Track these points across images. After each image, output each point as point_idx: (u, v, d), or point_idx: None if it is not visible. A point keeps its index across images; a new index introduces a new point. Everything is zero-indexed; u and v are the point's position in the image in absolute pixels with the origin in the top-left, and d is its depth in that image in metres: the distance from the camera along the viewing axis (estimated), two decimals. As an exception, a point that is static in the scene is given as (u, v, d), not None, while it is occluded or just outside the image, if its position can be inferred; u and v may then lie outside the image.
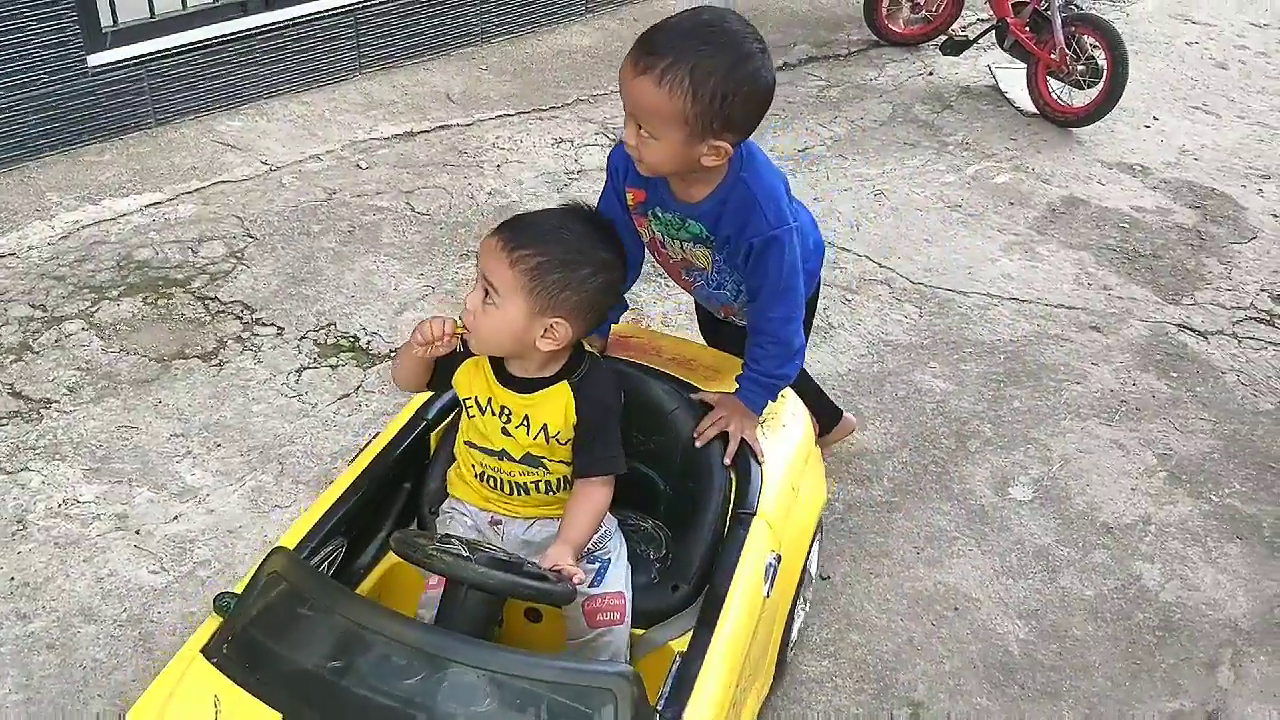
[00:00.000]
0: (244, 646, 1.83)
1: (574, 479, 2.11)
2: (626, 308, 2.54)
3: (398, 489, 2.30)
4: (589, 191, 4.00)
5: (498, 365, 2.09)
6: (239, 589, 1.92)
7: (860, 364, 3.66)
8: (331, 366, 3.48)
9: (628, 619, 2.10)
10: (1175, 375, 3.72)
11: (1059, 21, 5.07)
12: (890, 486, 3.19)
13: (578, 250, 1.97)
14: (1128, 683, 2.70)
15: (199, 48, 4.57)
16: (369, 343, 3.58)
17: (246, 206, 4.16)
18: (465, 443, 2.16)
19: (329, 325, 3.64)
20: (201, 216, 4.09)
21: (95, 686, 2.51)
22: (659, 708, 1.84)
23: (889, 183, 4.71)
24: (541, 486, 2.13)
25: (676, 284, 2.56)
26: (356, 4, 4.96)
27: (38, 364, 3.39)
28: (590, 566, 2.09)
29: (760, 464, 2.28)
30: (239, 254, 3.92)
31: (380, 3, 5.03)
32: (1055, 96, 5.22)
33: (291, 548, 2.01)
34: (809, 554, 2.51)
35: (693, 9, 2.09)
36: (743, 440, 2.27)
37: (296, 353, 3.51)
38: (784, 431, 2.44)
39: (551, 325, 1.97)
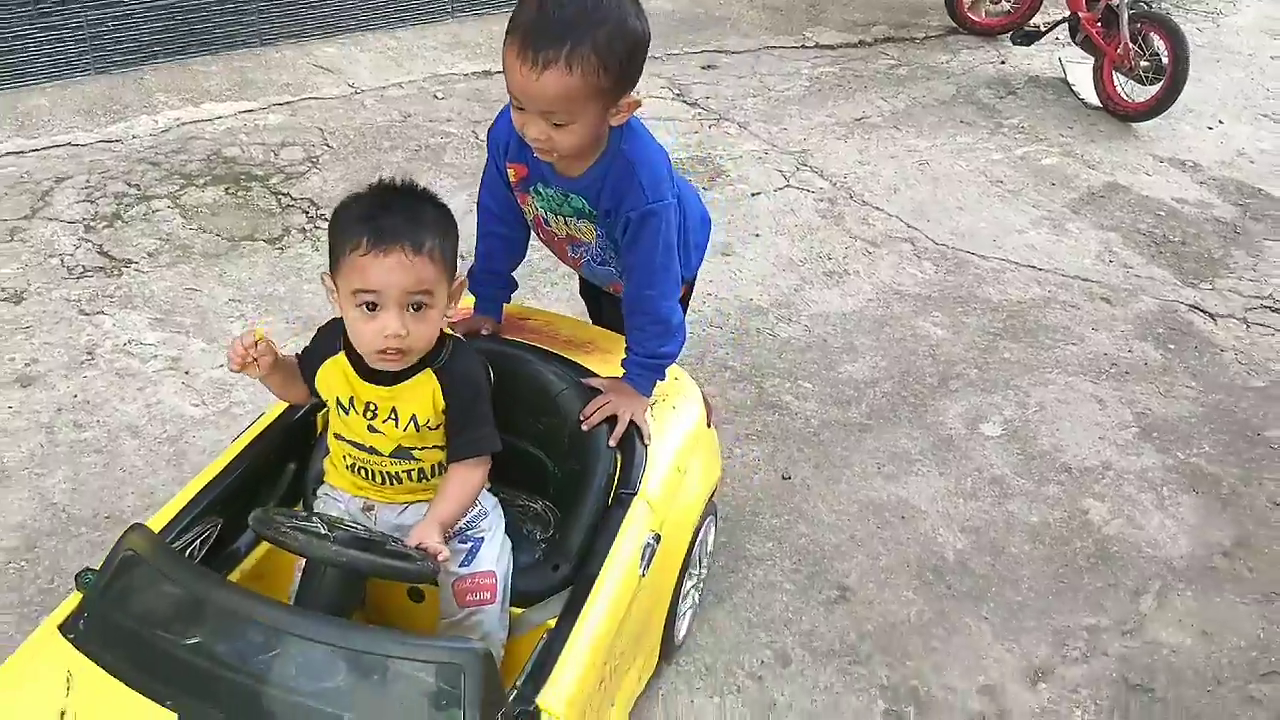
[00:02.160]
0: (99, 624, 1.81)
1: (448, 462, 2.07)
2: (516, 287, 2.55)
3: (281, 469, 2.26)
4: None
5: (356, 360, 2.04)
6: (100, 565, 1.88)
7: (866, 307, 3.89)
8: (380, 260, 3.84)
9: (499, 598, 2.08)
10: (1173, 347, 3.86)
11: (1125, 17, 5.20)
12: (867, 411, 3.42)
13: (440, 218, 1.97)
14: (1051, 597, 2.89)
15: (307, -22, 5.02)
16: (417, 244, 3.93)
17: (328, 121, 4.57)
18: (334, 435, 2.12)
19: (384, 226, 4.01)
20: (287, 126, 4.51)
21: (130, 486, 2.92)
22: (518, 684, 1.85)
23: (935, 155, 4.91)
24: (414, 474, 2.10)
25: (563, 262, 2.57)
26: (456, -49, 5.36)
27: (125, 231, 3.84)
28: (461, 546, 2.07)
29: (645, 445, 2.28)
30: (314, 160, 4.32)
31: (479, -48, 5.42)
32: (1120, 91, 5.35)
33: (161, 526, 1.98)
34: (697, 534, 2.50)
35: None
36: (632, 422, 2.28)
37: (351, 246, 3.89)
38: (673, 414, 2.47)
39: (453, 290, 2.01)
